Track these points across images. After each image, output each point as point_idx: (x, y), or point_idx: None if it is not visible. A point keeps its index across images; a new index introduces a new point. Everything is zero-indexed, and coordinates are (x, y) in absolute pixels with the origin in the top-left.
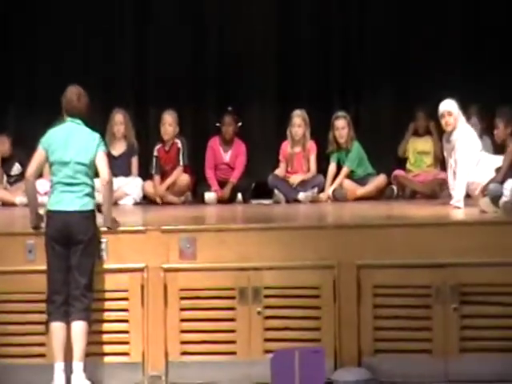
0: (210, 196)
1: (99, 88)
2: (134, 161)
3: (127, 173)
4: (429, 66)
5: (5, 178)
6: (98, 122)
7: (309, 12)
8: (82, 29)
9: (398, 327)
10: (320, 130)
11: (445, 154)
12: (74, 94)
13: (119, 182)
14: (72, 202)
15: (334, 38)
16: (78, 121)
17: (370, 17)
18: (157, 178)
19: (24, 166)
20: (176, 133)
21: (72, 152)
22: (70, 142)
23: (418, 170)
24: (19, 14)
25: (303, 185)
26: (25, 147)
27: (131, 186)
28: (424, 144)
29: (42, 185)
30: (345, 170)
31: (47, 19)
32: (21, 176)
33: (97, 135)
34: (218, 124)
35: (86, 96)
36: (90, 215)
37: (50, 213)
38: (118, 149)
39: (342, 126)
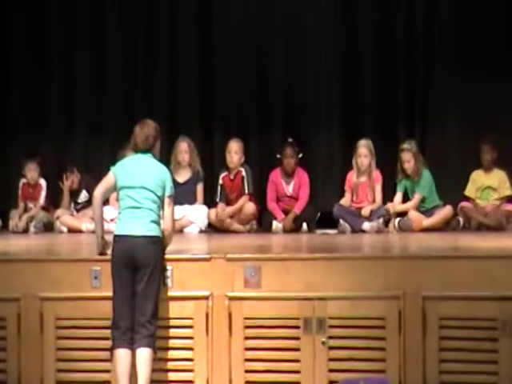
0: (277, 225)
1: (164, 116)
2: (200, 188)
3: (192, 200)
4: (498, 98)
5: (72, 204)
6: (163, 150)
7: (374, 41)
8: (145, 61)
9: (464, 360)
10: (386, 160)
11: None
12: (141, 130)
13: (184, 210)
14: (138, 227)
15: (400, 70)
16: (149, 154)
17: (437, 43)
18: (222, 205)
19: (91, 193)
20: (242, 161)
21: (141, 178)
22: (139, 169)
23: (485, 203)
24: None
25: (369, 215)
26: (91, 176)
27: (196, 214)
28: (490, 179)
29: (109, 212)
30: (416, 198)
31: (112, 47)
32: (88, 203)
33: (166, 170)
34: (278, 156)
35: (156, 130)
36: (155, 241)
37: (116, 237)
38: (183, 176)
39: (407, 159)
